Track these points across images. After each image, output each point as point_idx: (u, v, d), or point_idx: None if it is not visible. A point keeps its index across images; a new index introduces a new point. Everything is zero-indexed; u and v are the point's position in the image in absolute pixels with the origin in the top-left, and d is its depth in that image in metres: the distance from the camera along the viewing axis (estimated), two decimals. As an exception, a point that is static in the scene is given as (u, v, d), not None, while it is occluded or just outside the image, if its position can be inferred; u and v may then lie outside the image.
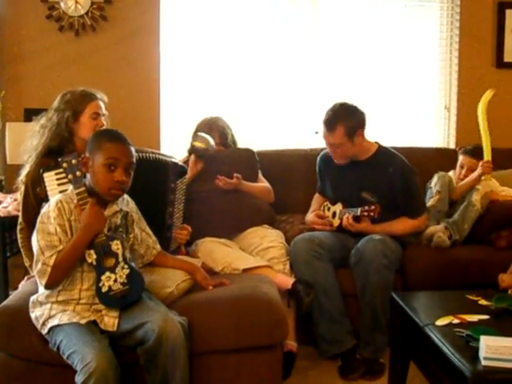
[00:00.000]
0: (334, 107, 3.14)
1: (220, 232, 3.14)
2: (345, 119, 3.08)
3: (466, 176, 3.59)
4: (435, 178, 3.56)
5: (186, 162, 3.21)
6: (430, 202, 3.47)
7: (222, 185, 3.18)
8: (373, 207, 3.04)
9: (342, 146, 3.11)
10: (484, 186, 3.47)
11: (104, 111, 2.85)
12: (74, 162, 2.20)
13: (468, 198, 3.43)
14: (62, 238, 2.16)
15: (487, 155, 3.52)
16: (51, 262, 2.12)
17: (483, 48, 4.28)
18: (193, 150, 3.25)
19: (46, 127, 2.77)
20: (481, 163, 3.50)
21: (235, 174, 3.20)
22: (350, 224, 3.11)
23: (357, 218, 3.12)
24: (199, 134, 3.29)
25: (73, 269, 2.18)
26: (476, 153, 3.58)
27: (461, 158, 3.70)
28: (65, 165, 2.21)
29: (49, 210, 2.19)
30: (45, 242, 2.15)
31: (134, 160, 2.27)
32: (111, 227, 2.25)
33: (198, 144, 3.22)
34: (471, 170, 3.58)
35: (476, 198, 3.41)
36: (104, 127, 2.77)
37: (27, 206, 2.70)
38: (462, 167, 3.66)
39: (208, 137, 3.26)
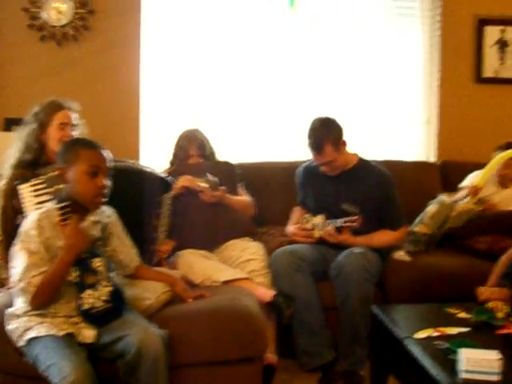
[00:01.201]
0: (314, 127, 3.15)
1: (200, 244, 3.11)
2: (328, 135, 3.10)
3: (505, 172, 3.58)
4: (430, 211, 3.49)
5: (169, 172, 3.19)
6: (416, 228, 3.47)
7: (207, 199, 3.16)
8: (355, 217, 3.04)
9: (334, 160, 3.14)
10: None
11: (74, 121, 2.80)
12: (56, 173, 2.13)
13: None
14: (45, 256, 2.12)
15: (479, 181, 3.50)
16: (34, 282, 2.09)
17: (463, 63, 4.33)
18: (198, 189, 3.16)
19: (20, 140, 2.75)
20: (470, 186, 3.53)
21: (220, 187, 3.18)
22: (332, 235, 3.11)
23: (338, 230, 3.12)
24: (209, 176, 3.19)
25: (60, 289, 2.14)
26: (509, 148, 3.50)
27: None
28: (45, 177, 2.14)
29: (29, 227, 2.15)
30: (29, 261, 2.10)
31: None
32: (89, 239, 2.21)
33: (204, 185, 3.15)
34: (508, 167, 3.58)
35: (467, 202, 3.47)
36: (75, 137, 2.72)
37: (6, 217, 2.65)
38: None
39: (214, 180, 3.19)
